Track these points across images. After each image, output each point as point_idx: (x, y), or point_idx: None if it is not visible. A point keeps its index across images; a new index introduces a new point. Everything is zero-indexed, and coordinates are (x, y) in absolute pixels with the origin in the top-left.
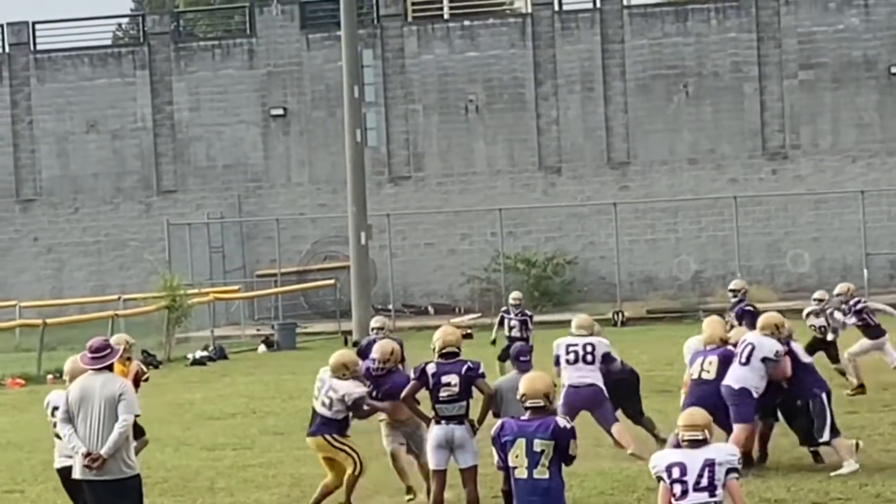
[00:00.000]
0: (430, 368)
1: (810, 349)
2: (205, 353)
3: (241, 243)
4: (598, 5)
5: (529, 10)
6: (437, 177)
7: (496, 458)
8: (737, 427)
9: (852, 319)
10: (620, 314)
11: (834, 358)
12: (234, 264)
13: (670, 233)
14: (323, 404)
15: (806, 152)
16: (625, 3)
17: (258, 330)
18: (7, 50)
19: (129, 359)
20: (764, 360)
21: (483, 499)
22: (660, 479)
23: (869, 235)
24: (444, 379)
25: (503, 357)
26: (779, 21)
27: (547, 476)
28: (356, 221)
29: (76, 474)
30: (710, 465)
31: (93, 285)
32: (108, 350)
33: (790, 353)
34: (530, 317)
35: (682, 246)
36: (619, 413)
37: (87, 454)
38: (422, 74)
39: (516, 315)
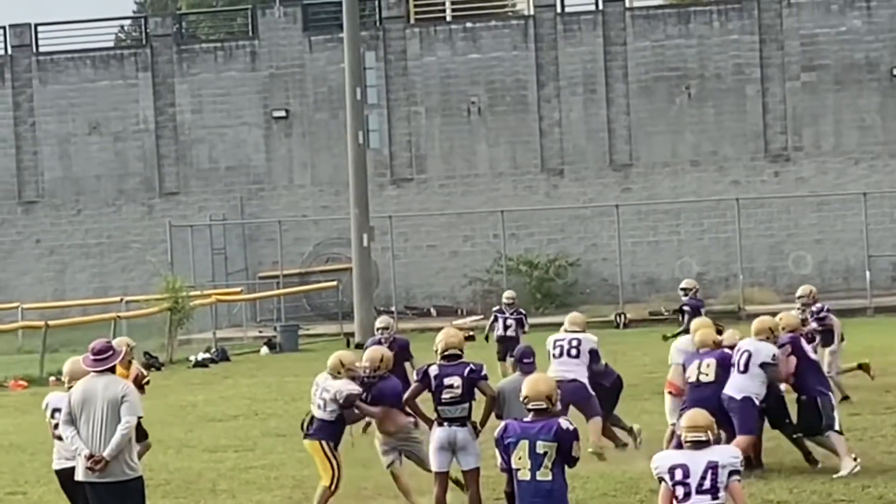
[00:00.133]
0: (433, 370)
1: None
2: (207, 355)
3: (243, 245)
4: (601, 7)
5: (531, 12)
6: (440, 179)
7: (499, 459)
8: (741, 438)
9: (813, 324)
10: (622, 316)
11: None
12: (237, 266)
13: (672, 235)
14: (318, 406)
15: (808, 154)
16: (627, 4)
17: (260, 332)
18: (9, 52)
19: (129, 362)
20: (762, 365)
21: (485, 501)
22: (661, 479)
23: (871, 237)
24: (447, 381)
25: (502, 356)
26: (781, 23)
27: (550, 478)
28: (358, 223)
29: (79, 476)
30: (713, 467)
31: (95, 287)
32: (111, 352)
33: (798, 349)
34: (525, 315)
35: (684, 248)
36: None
37: (90, 456)
38: (424, 76)
39: (511, 314)
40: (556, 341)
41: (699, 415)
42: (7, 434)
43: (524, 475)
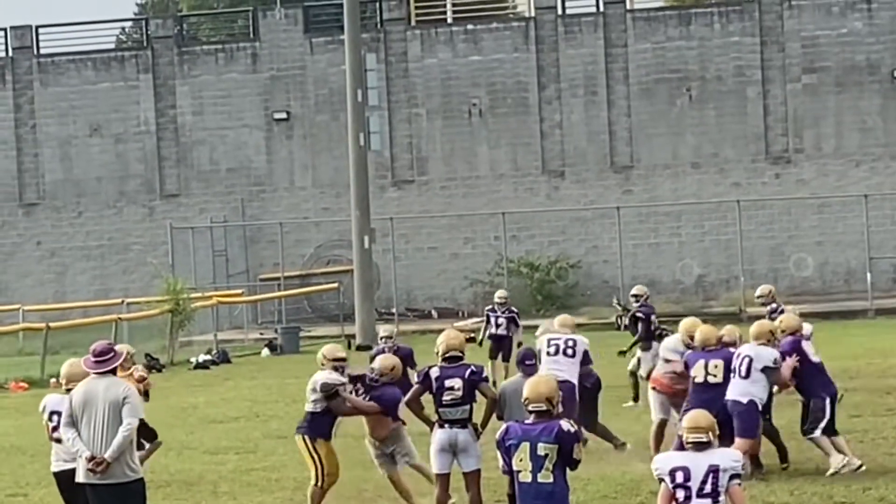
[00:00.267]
0: (434, 372)
1: None
2: (208, 357)
3: (244, 247)
4: (602, 9)
5: (533, 14)
6: (441, 181)
7: (501, 462)
8: (741, 441)
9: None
10: (623, 318)
11: None
12: (238, 268)
13: (673, 237)
14: (307, 399)
15: (809, 156)
16: (628, 6)
17: (261, 334)
18: (10, 54)
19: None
20: (764, 369)
21: (487, 503)
22: (661, 480)
23: (872, 239)
24: (448, 383)
25: (494, 355)
26: (782, 25)
27: (551, 480)
28: (359, 225)
29: (79, 478)
30: (714, 471)
31: (96, 289)
32: (112, 354)
33: (800, 352)
34: (517, 314)
35: (685, 250)
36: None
37: (91, 458)
38: (425, 78)
39: (503, 313)
40: (550, 340)
41: (701, 416)
42: (8, 436)
43: (525, 477)
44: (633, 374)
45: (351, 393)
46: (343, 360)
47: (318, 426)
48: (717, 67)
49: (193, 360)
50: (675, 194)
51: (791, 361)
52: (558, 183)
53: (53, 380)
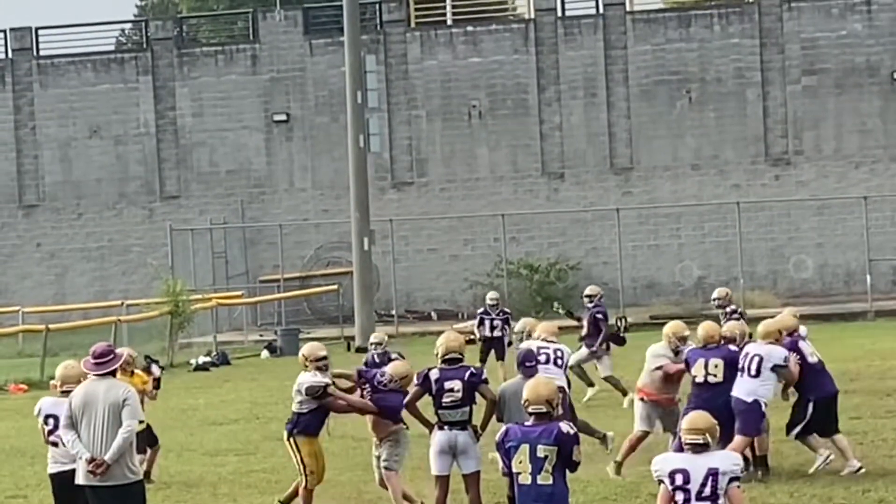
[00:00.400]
0: (433, 374)
1: None
2: (208, 359)
3: (244, 249)
4: (601, 11)
5: (532, 16)
6: (441, 182)
7: (500, 464)
8: (740, 438)
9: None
10: (623, 320)
11: None
12: (237, 270)
13: (673, 238)
14: (294, 401)
15: (809, 158)
16: (628, 8)
17: (261, 335)
18: (10, 55)
19: (132, 373)
20: (774, 368)
21: None
22: (661, 481)
23: (872, 241)
24: (447, 384)
25: (484, 357)
26: (782, 27)
27: (550, 482)
28: (359, 227)
29: (79, 480)
30: (713, 474)
31: (96, 291)
32: (112, 355)
33: (798, 352)
34: (510, 315)
35: (685, 251)
36: None
37: (91, 460)
38: (425, 80)
39: (497, 315)
40: (540, 349)
41: (700, 417)
42: (7, 438)
43: (525, 479)
44: (608, 379)
45: (355, 391)
46: (325, 358)
47: (303, 425)
48: (717, 69)
49: (193, 361)
50: (674, 196)
51: (794, 359)
52: (558, 185)
53: (53, 381)
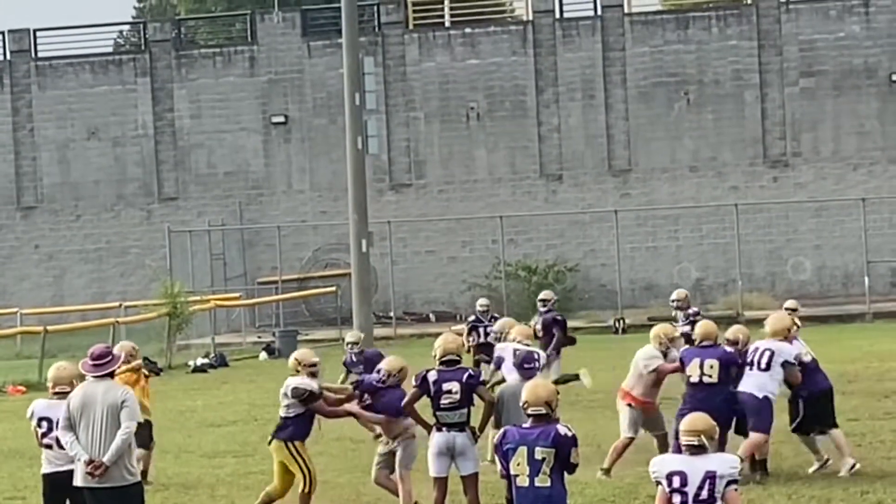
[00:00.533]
0: (431, 376)
1: None
2: (206, 361)
3: (242, 250)
4: (599, 13)
5: (530, 18)
6: (439, 184)
7: (499, 466)
8: (756, 435)
9: (687, 328)
10: (621, 321)
11: None
12: (236, 271)
13: (671, 240)
14: (281, 405)
15: (807, 160)
16: (626, 10)
17: (259, 337)
18: (8, 57)
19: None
20: (784, 364)
21: None
22: (658, 483)
23: (870, 243)
24: (445, 386)
25: (476, 364)
26: (780, 29)
27: (548, 484)
28: (357, 229)
29: (78, 482)
30: (711, 477)
31: (94, 292)
32: (110, 357)
33: None
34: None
35: (683, 253)
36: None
37: (90, 461)
38: (423, 82)
39: (489, 321)
40: (516, 352)
41: (699, 419)
42: (5, 439)
43: (523, 481)
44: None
45: (356, 402)
46: (316, 364)
47: (295, 429)
48: (715, 71)
49: (191, 363)
50: (672, 198)
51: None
52: (556, 186)
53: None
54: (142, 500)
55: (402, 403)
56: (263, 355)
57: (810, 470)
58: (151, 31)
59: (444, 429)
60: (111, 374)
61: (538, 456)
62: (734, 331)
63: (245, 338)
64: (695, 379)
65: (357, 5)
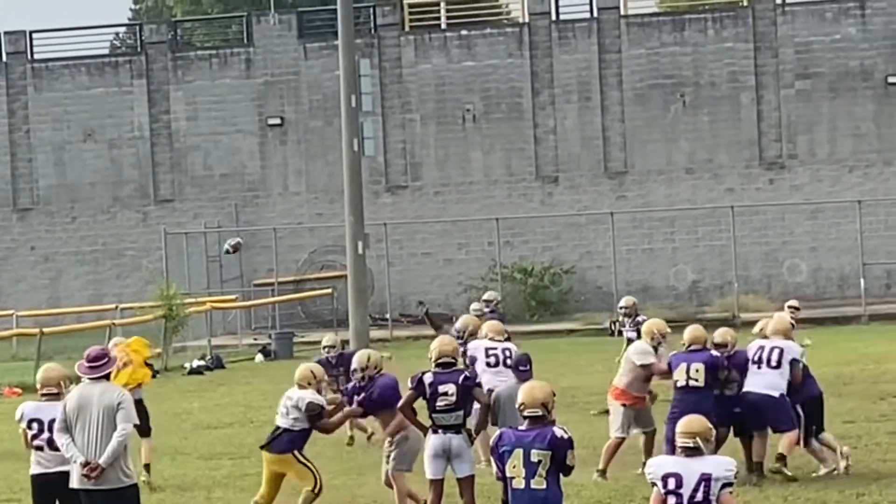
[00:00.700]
0: (427, 378)
1: None
2: (202, 363)
3: (238, 252)
4: (595, 15)
5: (526, 20)
6: (435, 186)
7: (495, 468)
8: (791, 434)
9: (633, 334)
10: (617, 323)
11: None
12: (232, 273)
13: (667, 242)
14: (282, 415)
15: (803, 162)
16: (622, 12)
17: (255, 339)
18: (4, 59)
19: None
20: (792, 362)
21: None
22: (654, 484)
23: (866, 245)
24: (441, 388)
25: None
26: (776, 31)
27: (544, 486)
28: (353, 231)
29: (74, 484)
30: (706, 479)
31: (90, 294)
32: (106, 359)
33: None
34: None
35: (679, 255)
36: None
37: (86, 463)
38: (419, 84)
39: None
40: (488, 350)
41: (695, 421)
42: (2, 441)
43: (519, 483)
44: None
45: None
46: (324, 380)
47: (301, 440)
48: (711, 73)
49: (187, 365)
50: (668, 200)
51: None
52: (552, 188)
53: None
54: (138, 502)
55: (398, 406)
56: (259, 357)
57: (820, 472)
58: (147, 33)
59: (440, 431)
60: (107, 376)
61: (534, 458)
62: (721, 333)
63: (241, 340)
64: (681, 383)
65: (353, 7)
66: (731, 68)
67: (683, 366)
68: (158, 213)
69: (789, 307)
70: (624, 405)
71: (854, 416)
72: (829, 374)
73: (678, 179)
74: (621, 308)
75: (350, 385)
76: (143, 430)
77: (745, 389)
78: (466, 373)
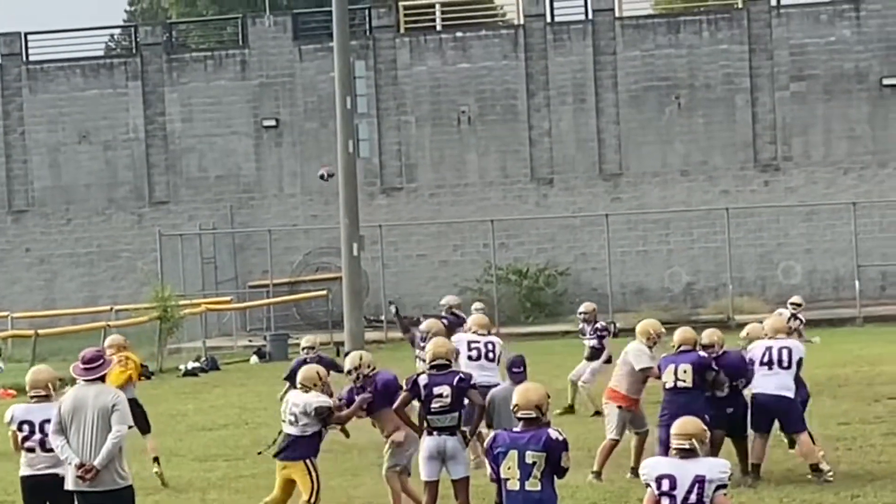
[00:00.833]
0: (422, 380)
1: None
2: (197, 364)
3: (233, 254)
4: (590, 17)
5: (521, 22)
6: (430, 188)
7: (489, 469)
8: (806, 438)
9: (593, 341)
10: (612, 325)
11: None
12: (227, 275)
13: (662, 244)
14: (290, 423)
15: (798, 164)
16: (617, 14)
17: (250, 341)
18: (0, 60)
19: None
20: (799, 361)
21: None
22: (648, 485)
23: (860, 247)
24: (436, 390)
25: None
26: (770, 33)
27: (539, 488)
28: (348, 232)
29: (69, 485)
30: (700, 481)
31: (85, 296)
32: (101, 361)
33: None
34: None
35: (673, 257)
36: None
37: (81, 465)
38: (414, 86)
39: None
40: (471, 343)
41: (689, 423)
42: None
43: (513, 485)
44: None
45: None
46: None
47: (314, 445)
48: (706, 75)
49: (182, 367)
50: (663, 202)
51: None
52: (547, 190)
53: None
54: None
55: (393, 407)
56: (254, 359)
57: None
58: (142, 35)
59: (434, 433)
60: (102, 378)
61: (529, 460)
62: (708, 334)
63: (236, 341)
64: (670, 384)
65: (348, 9)
66: (726, 70)
67: (672, 367)
68: (153, 214)
69: (791, 304)
70: (620, 407)
71: (849, 418)
72: (824, 376)
73: (673, 181)
74: (581, 313)
75: (346, 389)
76: (143, 427)
77: (756, 391)
78: (461, 374)
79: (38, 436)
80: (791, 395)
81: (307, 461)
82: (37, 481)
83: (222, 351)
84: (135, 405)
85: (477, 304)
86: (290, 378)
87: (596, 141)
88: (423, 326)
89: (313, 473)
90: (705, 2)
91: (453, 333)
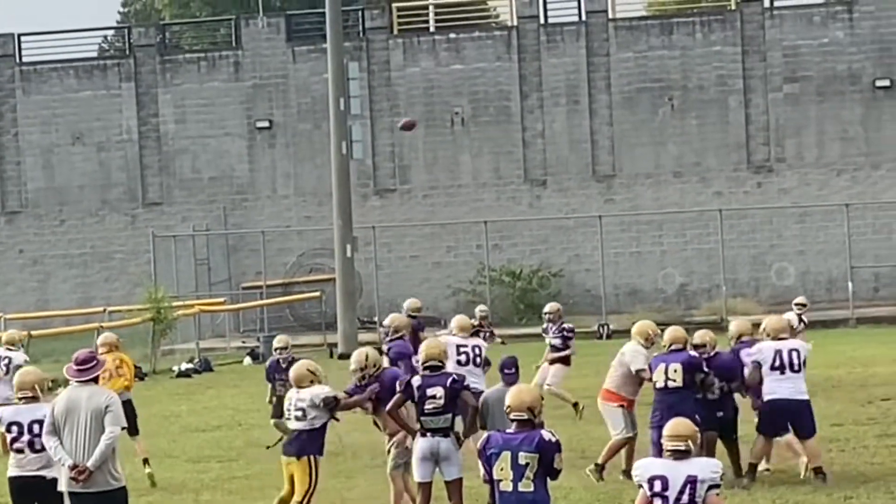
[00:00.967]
0: (416, 381)
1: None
2: (190, 366)
3: (226, 255)
4: (584, 18)
5: (515, 23)
6: (423, 189)
7: (482, 471)
8: (814, 444)
9: (557, 341)
10: (606, 327)
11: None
12: (220, 276)
13: (655, 246)
14: (297, 419)
15: (791, 165)
16: (610, 16)
17: (244, 342)
18: None
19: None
20: (804, 361)
21: None
22: (641, 486)
23: (853, 248)
24: (430, 392)
25: None
26: (763, 34)
27: (532, 489)
28: (342, 234)
29: (62, 486)
30: (692, 481)
31: (78, 297)
32: (94, 362)
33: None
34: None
35: (667, 259)
36: None
37: (74, 466)
38: (407, 87)
39: (488, 329)
40: (459, 347)
41: (682, 424)
42: None
43: (506, 486)
44: None
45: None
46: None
47: (319, 438)
48: (699, 77)
49: (175, 368)
50: (657, 203)
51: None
52: (540, 192)
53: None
54: None
55: (387, 409)
56: (248, 360)
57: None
58: (136, 36)
59: (428, 434)
60: (95, 380)
61: (522, 461)
62: (700, 335)
63: (229, 343)
64: (660, 384)
65: (342, 10)
66: (720, 72)
67: (662, 366)
68: (147, 215)
69: (796, 304)
70: (622, 406)
71: (842, 419)
72: (817, 378)
73: (666, 183)
74: (546, 314)
75: (350, 386)
76: (131, 430)
77: (772, 396)
78: (454, 376)
79: (26, 437)
80: (808, 397)
81: (311, 458)
82: (25, 482)
83: (216, 352)
84: (128, 406)
85: (481, 307)
86: (270, 378)
87: (589, 142)
88: (386, 321)
89: (314, 473)
90: (698, 3)
91: (418, 336)
